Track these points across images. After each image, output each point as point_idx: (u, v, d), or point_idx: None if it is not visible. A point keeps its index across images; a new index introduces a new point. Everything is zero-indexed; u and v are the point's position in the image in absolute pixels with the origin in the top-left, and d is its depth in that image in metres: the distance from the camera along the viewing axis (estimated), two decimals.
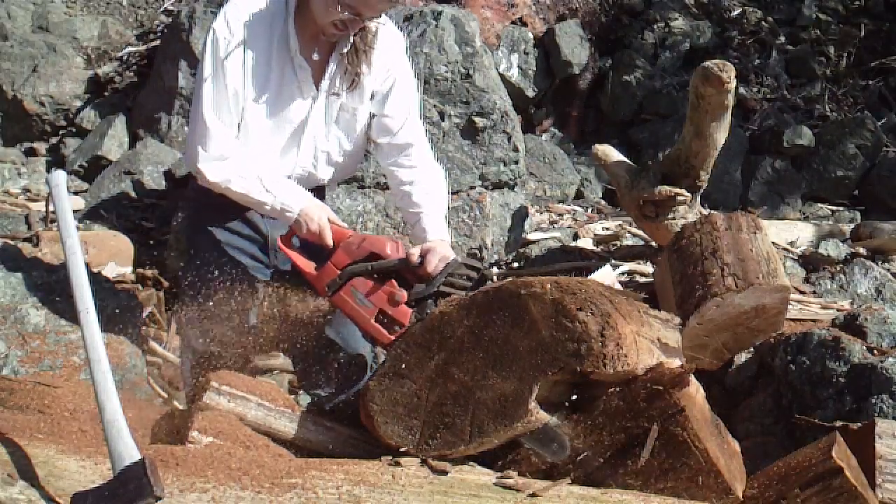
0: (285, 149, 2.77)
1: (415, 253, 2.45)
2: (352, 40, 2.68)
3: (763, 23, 8.00)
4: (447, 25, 4.31)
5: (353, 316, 2.45)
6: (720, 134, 4.07)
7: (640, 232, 4.77)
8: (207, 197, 2.73)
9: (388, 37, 2.77)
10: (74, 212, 3.33)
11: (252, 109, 2.66)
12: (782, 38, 7.99)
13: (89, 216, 4.43)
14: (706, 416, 2.19)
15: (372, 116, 2.82)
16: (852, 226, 5.42)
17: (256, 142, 2.70)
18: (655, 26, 7.63)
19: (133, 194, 4.68)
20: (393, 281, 2.42)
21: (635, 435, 2.10)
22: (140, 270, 3.82)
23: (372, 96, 2.80)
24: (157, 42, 6.22)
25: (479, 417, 2.10)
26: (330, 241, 2.58)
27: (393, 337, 2.36)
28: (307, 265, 2.58)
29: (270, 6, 2.66)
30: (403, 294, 2.38)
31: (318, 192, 3.01)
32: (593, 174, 6.82)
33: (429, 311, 2.38)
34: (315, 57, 2.70)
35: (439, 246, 2.52)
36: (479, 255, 4.17)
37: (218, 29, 2.62)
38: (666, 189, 4.16)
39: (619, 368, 2.03)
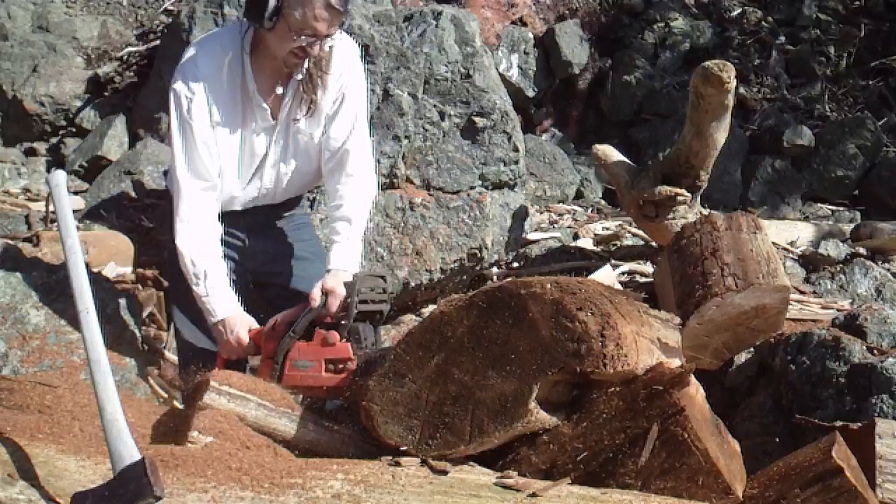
0: (250, 178, 2.85)
1: (316, 295, 2.53)
2: (306, 67, 2.70)
3: (763, 23, 8.00)
4: (447, 25, 4.30)
5: (308, 383, 2.48)
6: (720, 134, 4.07)
7: (640, 232, 4.78)
8: None
9: (341, 54, 2.78)
10: (74, 212, 3.32)
11: (225, 151, 2.74)
12: (782, 38, 7.99)
13: (89, 216, 4.42)
14: (706, 416, 2.19)
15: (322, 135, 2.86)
16: (852, 226, 5.42)
17: (227, 177, 2.78)
18: (655, 26, 7.64)
19: (133, 194, 4.67)
20: (318, 329, 2.47)
21: (635, 435, 2.10)
22: (140, 270, 3.81)
23: (325, 116, 2.83)
24: (157, 42, 6.22)
25: (479, 417, 2.10)
26: (245, 340, 2.63)
27: (341, 377, 2.40)
28: None
29: (226, 47, 2.69)
30: (333, 334, 2.44)
31: (294, 201, 3.08)
32: (593, 174, 6.83)
33: (364, 337, 2.46)
34: (276, 90, 2.74)
35: (339, 276, 2.59)
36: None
37: (178, 88, 2.66)
38: (666, 189, 4.16)
39: (619, 368, 2.03)
